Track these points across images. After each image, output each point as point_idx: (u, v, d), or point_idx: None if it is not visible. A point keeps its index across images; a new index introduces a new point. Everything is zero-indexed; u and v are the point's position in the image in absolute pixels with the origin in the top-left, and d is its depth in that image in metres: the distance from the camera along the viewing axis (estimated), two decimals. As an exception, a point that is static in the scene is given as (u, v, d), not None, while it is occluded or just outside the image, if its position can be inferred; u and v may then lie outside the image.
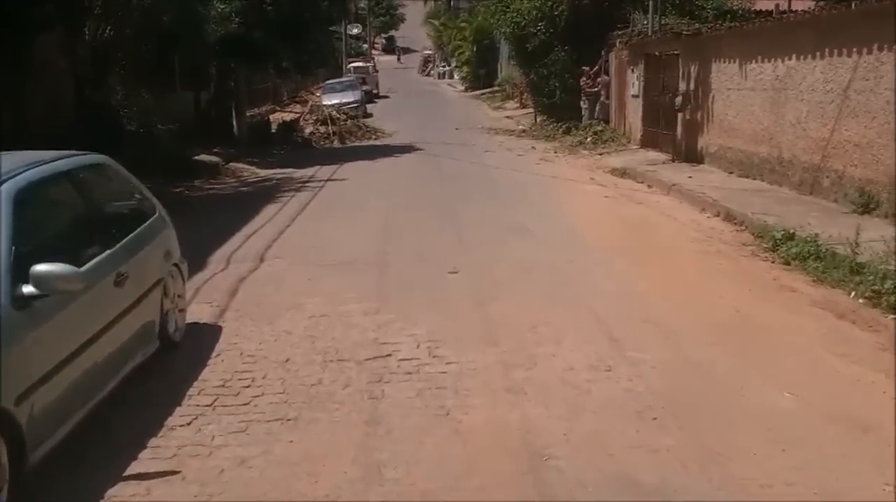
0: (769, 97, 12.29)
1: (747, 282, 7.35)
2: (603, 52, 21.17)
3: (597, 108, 21.26)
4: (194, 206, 12.71)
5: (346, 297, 6.90)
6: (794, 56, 11.48)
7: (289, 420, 4.50)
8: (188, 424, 4.50)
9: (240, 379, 5.13)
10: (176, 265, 5.88)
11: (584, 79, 21.14)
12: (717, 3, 21.90)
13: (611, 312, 6.39)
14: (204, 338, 5.98)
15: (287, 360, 5.45)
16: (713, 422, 4.39)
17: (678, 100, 15.64)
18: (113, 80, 14.43)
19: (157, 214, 5.75)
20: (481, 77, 45.64)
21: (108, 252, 4.59)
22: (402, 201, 12.34)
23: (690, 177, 13.37)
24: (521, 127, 25.45)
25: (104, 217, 4.95)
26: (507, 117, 30.18)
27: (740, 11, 21.42)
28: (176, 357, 5.56)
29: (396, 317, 6.32)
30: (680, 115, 15.74)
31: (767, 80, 12.34)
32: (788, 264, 7.94)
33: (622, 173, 15.01)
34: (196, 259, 8.43)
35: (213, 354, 5.63)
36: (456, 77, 53.87)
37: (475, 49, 46.53)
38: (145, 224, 5.44)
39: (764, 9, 21.16)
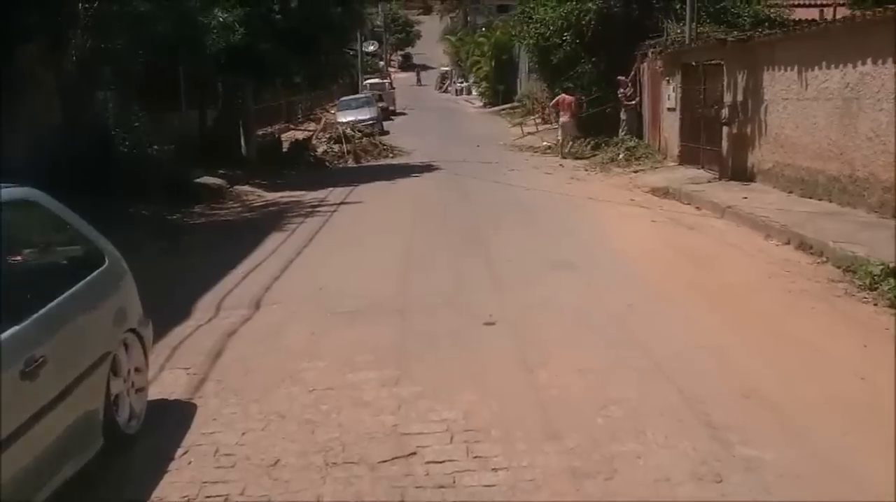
0: (837, 107, 10.81)
1: (856, 335, 5.87)
2: (637, 61, 19.85)
3: (562, 129, 21.01)
4: (190, 236, 11.40)
5: (357, 361, 5.48)
6: (868, 60, 10.01)
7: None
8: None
9: (209, 497, 3.72)
10: (133, 330, 4.49)
11: (621, 89, 19.79)
12: (753, 10, 20.56)
13: (698, 382, 4.93)
14: (171, 424, 4.57)
15: (276, 463, 4.03)
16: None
17: (724, 112, 14.22)
18: (105, 97, 13.17)
19: (105, 265, 4.36)
20: (500, 93, 44.42)
21: (9, 332, 3.21)
22: (423, 228, 10.94)
23: (745, 197, 11.89)
24: (545, 143, 24.05)
25: (12, 279, 3.55)
26: (530, 133, 28.80)
27: (778, 20, 20.06)
28: (128, 458, 4.15)
29: (422, 392, 4.89)
30: (726, 129, 14.29)
31: (835, 88, 10.86)
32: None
33: (664, 193, 13.58)
34: (181, 304, 7.14)
35: (180, 451, 4.22)
36: (474, 93, 52.65)
37: (493, 64, 45.41)
38: (84, 281, 4.05)
39: (803, 17, 19.72)
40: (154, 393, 4.99)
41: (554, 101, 21.73)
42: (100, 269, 4.27)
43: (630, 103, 19.71)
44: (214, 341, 6.08)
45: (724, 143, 14.35)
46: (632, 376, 5.05)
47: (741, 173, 13.73)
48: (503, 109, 40.74)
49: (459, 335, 6.02)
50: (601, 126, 20.76)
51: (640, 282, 7.61)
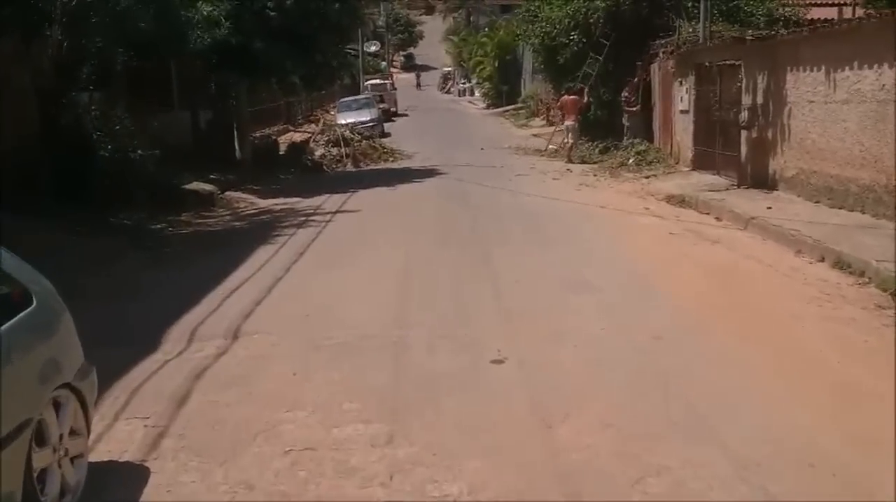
0: (871, 111, 10.02)
1: (923, 377, 5.06)
2: (640, 64, 19.09)
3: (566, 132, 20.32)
4: (173, 248, 10.57)
5: (344, 411, 4.67)
6: (907, 60, 9.23)
7: None
8: None
9: None
10: (68, 385, 3.69)
11: (625, 93, 19.02)
12: (767, 9, 19.84)
13: (749, 443, 4.12)
14: (115, 497, 3.78)
15: (236, 559, 3.25)
16: None
17: (743, 115, 13.40)
18: (90, 97, 12.39)
19: (32, 307, 3.56)
20: (503, 93, 43.70)
21: None
22: (423, 242, 10.11)
23: (769, 207, 11.07)
24: (551, 146, 23.28)
25: None
26: (535, 135, 28.07)
27: (793, 19, 19.38)
28: (53, 550, 3.36)
29: (418, 454, 4.08)
30: (745, 133, 13.48)
31: (868, 90, 10.06)
32: (958, 338, 5.68)
33: (680, 201, 12.79)
34: (150, 331, 6.35)
35: (120, 539, 3.44)
36: (477, 94, 51.89)
37: (497, 65, 44.65)
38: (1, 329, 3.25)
39: (818, 17, 18.98)
40: (102, 452, 4.21)
41: (559, 102, 21.04)
42: (23, 314, 3.47)
43: (631, 109, 18.93)
44: (181, 381, 5.26)
45: (743, 148, 13.56)
46: (670, 434, 4.24)
47: (761, 180, 12.94)
48: (507, 111, 40.03)
49: (463, 377, 5.19)
50: (609, 129, 20.00)
51: (666, 307, 6.80)
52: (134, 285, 8.36)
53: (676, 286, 7.58)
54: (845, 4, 20.18)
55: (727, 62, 14.36)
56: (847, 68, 10.51)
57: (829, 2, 21.46)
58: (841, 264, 8.13)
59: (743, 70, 13.66)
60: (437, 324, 6.35)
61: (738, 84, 13.79)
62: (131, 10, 10.80)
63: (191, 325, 6.59)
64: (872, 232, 9.13)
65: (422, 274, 8.30)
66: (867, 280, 7.55)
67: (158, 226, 11.92)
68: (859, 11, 17.97)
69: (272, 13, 15.37)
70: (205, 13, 12.04)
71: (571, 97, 19.91)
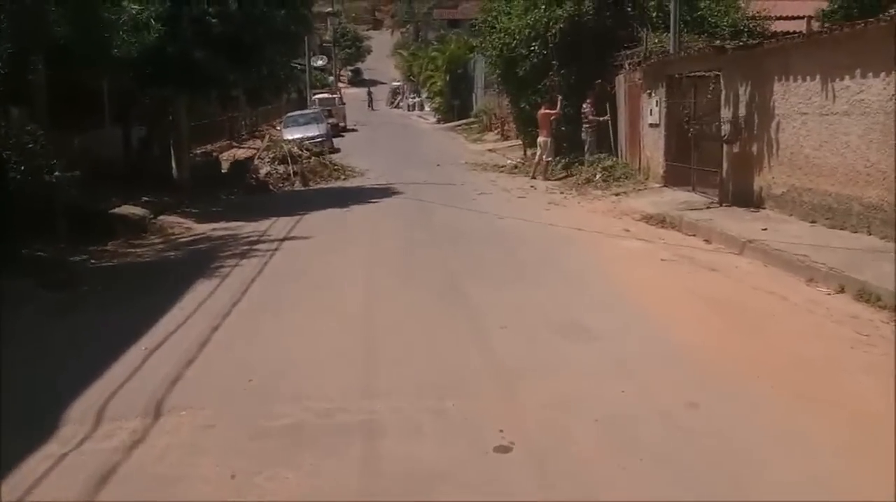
0: (878, 123, 9.12)
1: None
2: (600, 81, 18.20)
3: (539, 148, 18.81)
4: (93, 286, 9.04)
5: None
6: (922, 66, 8.34)
7: None
8: None
9: None
10: None
11: (584, 105, 18.07)
12: (732, 20, 19.33)
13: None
14: None
15: None
16: None
17: (725, 129, 12.49)
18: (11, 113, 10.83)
19: None
20: (455, 108, 42.76)
21: None
22: (386, 276, 8.78)
23: (765, 229, 10.10)
24: (510, 161, 22.28)
25: None
26: (490, 150, 27.11)
27: (757, 30, 18.92)
28: None
29: None
30: (726, 148, 12.57)
31: (874, 100, 9.16)
32: None
33: (660, 221, 11.81)
34: (47, 408, 4.96)
35: None
36: (427, 108, 50.92)
37: (448, 79, 43.77)
38: None
39: (782, 30, 18.40)
40: None
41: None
42: None
43: (601, 118, 17.97)
44: (77, 491, 3.86)
45: (724, 164, 12.63)
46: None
47: (745, 198, 12.02)
48: (459, 125, 39.11)
49: (462, 476, 3.89)
50: (572, 144, 19.02)
51: (687, 359, 5.62)
52: (37, 338, 6.89)
53: (689, 329, 6.43)
54: (811, 17, 19.77)
55: (701, 73, 13.46)
56: (847, 77, 9.63)
57: (793, 15, 21.08)
58: (867, 296, 7.14)
59: (722, 81, 12.75)
60: (415, 391, 5.02)
61: (710, 96, 12.91)
62: (45, 10, 9.29)
63: (101, 397, 5.16)
64: (890, 257, 8.18)
65: (388, 318, 6.94)
66: (904, 315, 6.56)
67: (79, 258, 10.38)
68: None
69: (213, 20, 13.84)
70: (133, 11, 10.50)
71: (545, 111, 18.79)
